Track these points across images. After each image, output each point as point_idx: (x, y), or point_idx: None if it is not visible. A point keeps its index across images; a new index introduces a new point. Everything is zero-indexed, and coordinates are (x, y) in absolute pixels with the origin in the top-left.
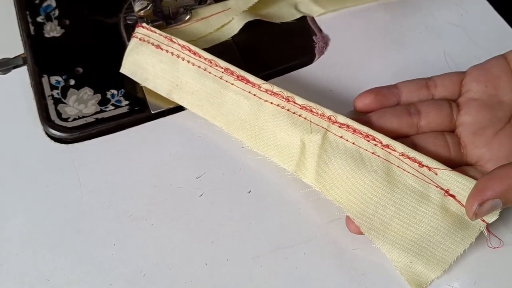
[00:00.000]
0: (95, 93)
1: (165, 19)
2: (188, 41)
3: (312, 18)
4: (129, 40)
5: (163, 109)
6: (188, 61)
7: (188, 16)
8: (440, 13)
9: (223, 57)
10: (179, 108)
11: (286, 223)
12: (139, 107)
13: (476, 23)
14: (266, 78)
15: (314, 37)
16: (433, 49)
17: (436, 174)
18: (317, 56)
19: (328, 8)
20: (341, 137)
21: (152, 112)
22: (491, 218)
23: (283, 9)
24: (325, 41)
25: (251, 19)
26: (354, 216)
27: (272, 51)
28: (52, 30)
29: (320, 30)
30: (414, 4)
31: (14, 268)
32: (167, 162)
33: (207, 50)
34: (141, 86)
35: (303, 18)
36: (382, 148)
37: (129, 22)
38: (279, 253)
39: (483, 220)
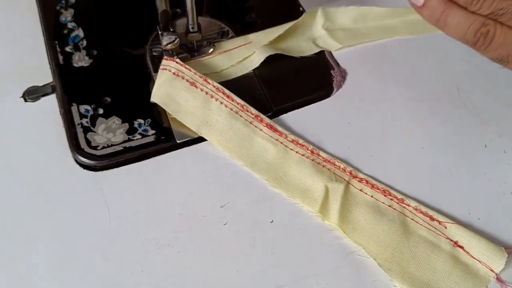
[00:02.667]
0: (123, 122)
1: (189, 51)
2: (211, 73)
3: (330, 53)
4: (154, 71)
5: (188, 139)
6: (221, 103)
7: (212, 49)
8: (453, 50)
9: (245, 89)
10: (203, 138)
11: (308, 253)
12: (165, 137)
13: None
14: (285, 110)
15: (332, 71)
16: (446, 85)
17: (446, 228)
18: (335, 90)
19: (345, 43)
20: (360, 190)
21: (178, 141)
22: (499, 267)
23: (302, 44)
24: (343, 75)
25: (271, 53)
26: (374, 257)
27: (291, 84)
28: (81, 60)
29: (338, 65)
30: (428, 40)
31: None
32: (192, 190)
33: (229, 82)
34: (167, 116)
35: (322, 53)
36: (398, 203)
37: (154, 53)
38: (302, 283)
39: (492, 270)
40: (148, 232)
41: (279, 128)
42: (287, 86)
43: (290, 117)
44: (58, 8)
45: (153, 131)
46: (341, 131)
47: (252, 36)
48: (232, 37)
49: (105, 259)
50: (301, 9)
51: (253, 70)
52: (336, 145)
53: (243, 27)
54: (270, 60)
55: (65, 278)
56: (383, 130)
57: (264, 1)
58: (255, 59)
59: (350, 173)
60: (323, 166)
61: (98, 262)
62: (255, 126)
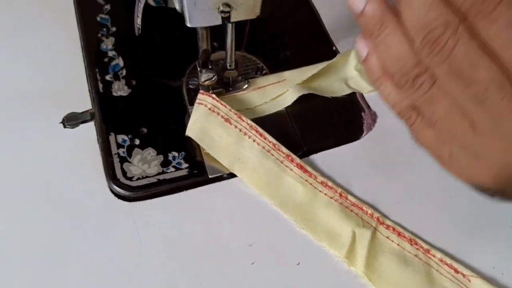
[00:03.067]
0: (158, 154)
1: (224, 86)
2: (244, 109)
3: (361, 95)
4: (190, 103)
5: (219, 174)
6: (254, 140)
7: (246, 85)
8: None
9: (277, 126)
10: (234, 174)
11: None
12: (198, 171)
13: None
14: (315, 150)
15: (362, 113)
16: None
17: (469, 281)
18: (365, 132)
19: None
20: (387, 237)
21: (210, 176)
22: None
23: (335, 84)
24: (373, 118)
25: (304, 92)
26: None
27: (322, 124)
28: (120, 89)
29: (369, 107)
30: None
31: None
32: (221, 226)
33: (262, 118)
34: (201, 150)
35: (353, 94)
36: (424, 253)
37: (191, 86)
38: None
39: None
40: (177, 264)
41: (309, 169)
42: (318, 126)
43: (320, 158)
44: (99, 35)
45: (187, 165)
46: (370, 174)
47: (286, 74)
48: (266, 74)
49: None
50: (334, 48)
51: (286, 107)
52: (364, 188)
53: (277, 64)
54: (302, 99)
55: None
56: (411, 177)
57: (298, 39)
58: (288, 97)
59: (378, 219)
60: (351, 210)
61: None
62: (286, 166)
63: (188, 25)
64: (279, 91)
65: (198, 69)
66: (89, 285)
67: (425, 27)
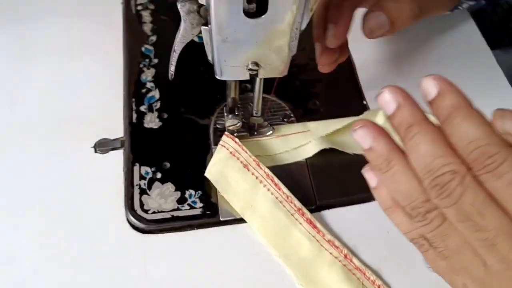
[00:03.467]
0: (176, 190)
1: (249, 130)
2: (265, 155)
3: None
4: (214, 143)
5: (231, 218)
6: (268, 189)
7: (271, 132)
8: None
9: (294, 176)
10: (244, 220)
11: None
12: (211, 212)
13: None
14: (328, 206)
15: None
16: None
17: None
18: None
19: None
20: None
21: (221, 219)
22: None
23: None
24: None
25: (326, 146)
26: None
27: (339, 180)
28: (152, 121)
29: None
30: None
31: None
32: (224, 270)
33: (280, 166)
34: (216, 192)
35: None
36: None
37: (218, 126)
38: None
39: None
40: None
41: (318, 225)
42: (335, 182)
43: (331, 214)
44: (141, 66)
45: (201, 204)
46: (378, 239)
47: (311, 125)
48: (292, 121)
49: None
50: (364, 102)
51: (306, 158)
52: (371, 253)
53: (305, 113)
54: (324, 152)
55: None
56: None
57: (330, 89)
58: (310, 149)
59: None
60: (354, 273)
61: None
62: (296, 219)
63: (218, 77)
64: (301, 141)
65: (225, 114)
66: None
67: (433, 172)
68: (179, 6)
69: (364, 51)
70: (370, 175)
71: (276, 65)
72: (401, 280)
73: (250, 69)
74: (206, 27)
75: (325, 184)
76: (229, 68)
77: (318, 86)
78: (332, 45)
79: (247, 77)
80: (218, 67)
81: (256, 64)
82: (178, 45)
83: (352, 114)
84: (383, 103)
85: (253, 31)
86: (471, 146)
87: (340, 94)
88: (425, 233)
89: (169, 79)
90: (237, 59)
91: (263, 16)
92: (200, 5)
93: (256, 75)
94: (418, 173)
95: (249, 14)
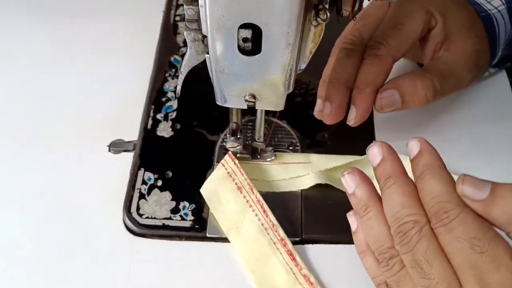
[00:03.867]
0: (172, 199)
1: (252, 153)
2: (262, 180)
3: None
4: (217, 160)
5: (217, 236)
6: (256, 215)
7: (272, 158)
8: None
9: (286, 205)
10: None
11: None
12: (199, 226)
13: None
14: (312, 241)
15: None
16: None
17: None
18: None
19: None
20: None
21: (207, 235)
22: None
23: None
24: None
25: (323, 181)
26: None
27: (329, 217)
28: (164, 130)
29: None
30: None
31: None
32: (202, 284)
33: (275, 193)
34: (208, 209)
35: None
36: None
37: (224, 144)
38: None
39: None
40: None
41: (297, 258)
42: (325, 218)
43: (314, 249)
44: (167, 75)
45: (192, 217)
46: (355, 283)
47: (313, 157)
48: (297, 150)
49: None
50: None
51: (301, 190)
52: None
53: (312, 144)
54: (320, 186)
55: None
56: None
57: (341, 124)
58: (307, 181)
59: None
60: None
61: None
62: (277, 248)
63: (218, 103)
64: (300, 172)
65: (227, 135)
66: None
67: (399, 220)
68: (185, 33)
69: None
70: (352, 219)
71: (272, 99)
72: None
73: (247, 100)
74: (208, 55)
75: (315, 218)
76: (228, 96)
77: None
78: (353, 125)
79: (245, 107)
80: (218, 94)
81: (253, 96)
82: (184, 69)
83: (359, 153)
84: (371, 155)
85: (248, 67)
86: (433, 201)
87: (351, 131)
88: (387, 278)
89: (188, 91)
90: (234, 90)
91: (257, 55)
92: (205, 36)
93: (254, 106)
94: (388, 220)
95: (244, 51)
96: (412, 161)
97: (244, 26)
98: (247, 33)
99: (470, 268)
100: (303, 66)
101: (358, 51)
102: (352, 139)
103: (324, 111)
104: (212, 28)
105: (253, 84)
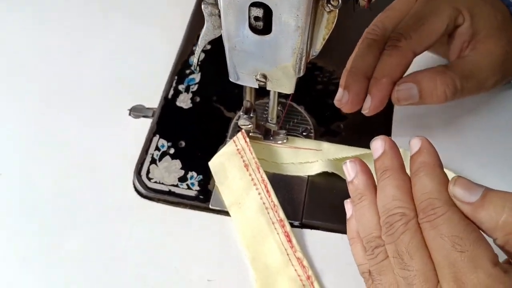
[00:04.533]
0: (181, 168)
1: (264, 134)
2: (271, 161)
3: None
4: (231, 136)
5: (220, 208)
6: (259, 194)
7: (284, 141)
8: None
9: (290, 188)
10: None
11: None
12: (204, 197)
13: None
14: (311, 226)
15: None
16: None
17: None
18: None
19: None
20: None
21: (210, 206)
22: None
23: None
24: None
25: (331, 170)
26: None
27: (332, 206)
28: (184, 101)
29: None
30: None
31: None
32: (196, 253)
33: (282, 175)
34: (214, 182)
35: None
36: None
37: (238, 121)
38: None
39: None
40: (145, 270)
41: (293, 241)
42: (327, 205)
43: (312, 235)
44: (194, 48)
45: (198, 188)
46: (347, 272)
47: (325, 145)
48: (310, 137)
49: (105, 270)
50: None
51: (308, 175)
52: (335, 282)
53: (326, 132)
54: (327, 174)
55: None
56: None
57: (358, 116)
58: (315, 167)
59: None
60: None
61: (100, 269)
62: (275, 228)
63: (231, 80)
64: (309, 158)
65: (240, 113)
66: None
67: (388, 211)
68: (203, 7)
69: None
70: (348, 206)
71: (282, 81)
72: None
73: (258, 80)
74: (222, 31)
75: (317, 205)
76: (240, 73)
77: None
78: (368, 114)
79: (256, 86)
80: (231, 70)
81: (264, 76)
82: (200, 42)
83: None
84: (374, 148)
85: (258, 46)
86: (423, 197)
87: (368, 124)
88: (370, 267)
89: (213, 68)
90: (246, 67)
91: (267, 35)
92: None
93: (265, 86)
94: (379, 210)
95: (256, 30)
96: (411, 157)
97: (255, 4)
98: (259, 12)
99: (448, 265)
100: (316, 52)
101: (380, 41)
102: (367, 133)
103: (342, 99)
104: (224, 4)
105: (264, 64)
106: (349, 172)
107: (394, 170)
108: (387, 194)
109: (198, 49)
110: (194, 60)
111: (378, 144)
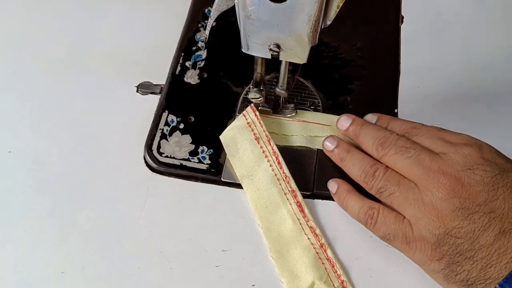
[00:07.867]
0: (191, 142)
1: (274, 107)
2: (281, 134)
3: None
4: (239, 111)
5: (231, 181)
6: (270, 165)
7: (293, 114)
8: None
9: (301, 160)
10: (241, 186)
11: None
12: (215, 170)
13: None
14: (322, 197)
15: None
16: None
17: None
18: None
19: None
20: None
21: (222, 179)
22: None
23: None
24: None
25: None
26: None
27: (341, 177)
28: (191, 77)
29: None
30: None
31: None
32: (209, 225)
33: (292, 147)
34: (225, 155)
35: None
36: None
37: (247, 96)
38: None
39: None
40: (160, 242)
41: (306, 210)
42: (337, 177)
43: (323, 205)
44: (199, 25)
45: (209, 161)
46: (359, 240)
47: (334, 120)
48: (318, 111)
49: (121, 245)
50: (396, 110)
51: (317, 149)
52: (347, 250)
53: (333, 105)
54: None
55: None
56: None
57: (366, 89)
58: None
59: (342, 283)
60: (323, 263)
61: (114, 243)
62: (287, 199)
63: (243, 50)
64: (318, 132)
65: (250, 86)
66: (96, 227)
67: (379, 138)
68: None
69: (415, 55)
70: (332, 184)
71: (296, 51)
72: (367, 284)
73: (271, 50)
74: (237, 1)
75: (327, 176)
76: (253, 44)
77: (355, 84)
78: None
79: (269, 57)
80: (244, 41)
81: (278, 46)
82: (213, 13)
83: None
84: (341, 123)
85: (274, 15)
86: (400, 130)
87: (374, 97)
88: (376, 187)
89: (219, 44)
90: (259, 37)
91: (283, 3)
92: None
93: (278, 56)
94: (368, 147)
95: None
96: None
97: None
98: None
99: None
100: (330, 20)
101: None
102: (374, 105)
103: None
104: None
105: (278, 33)
106: (328, 145)
107: (364, 124)
108: (372, 131)
109: (210, 20)
110: (206, 32)
111: (343, 120)
